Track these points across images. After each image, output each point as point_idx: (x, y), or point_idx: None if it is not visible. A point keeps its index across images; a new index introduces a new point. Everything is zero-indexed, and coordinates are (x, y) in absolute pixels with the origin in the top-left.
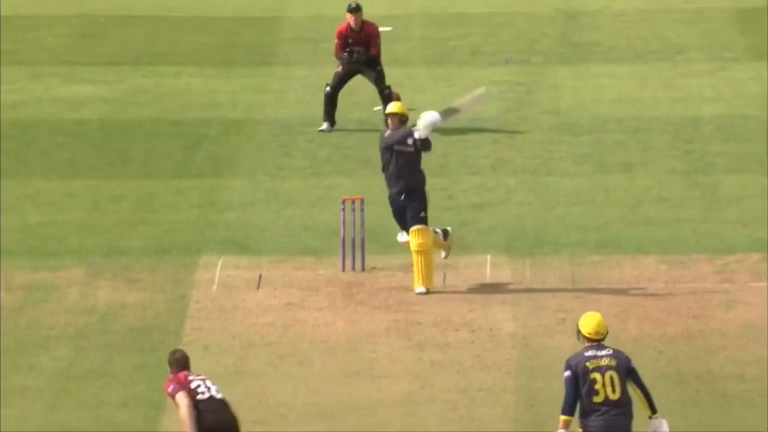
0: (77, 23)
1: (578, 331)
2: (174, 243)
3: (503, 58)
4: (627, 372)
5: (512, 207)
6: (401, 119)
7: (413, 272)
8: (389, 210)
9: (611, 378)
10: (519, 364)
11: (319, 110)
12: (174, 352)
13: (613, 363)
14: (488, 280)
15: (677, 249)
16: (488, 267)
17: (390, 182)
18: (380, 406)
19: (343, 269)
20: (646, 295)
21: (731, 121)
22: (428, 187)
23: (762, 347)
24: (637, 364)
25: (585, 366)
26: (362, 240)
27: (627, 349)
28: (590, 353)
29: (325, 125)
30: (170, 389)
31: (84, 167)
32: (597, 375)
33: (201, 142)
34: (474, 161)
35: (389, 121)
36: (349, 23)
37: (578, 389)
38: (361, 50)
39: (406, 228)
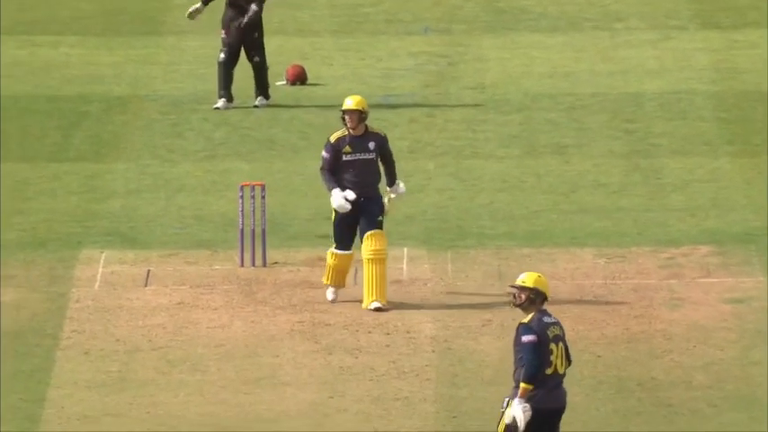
0: None
1: (536, 292)
2: (52, 235)
3: (421, 27)
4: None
5: (431, 194)
6: (361, 116)
7: (364, 284)
8: (293, 197)
9: (562, 350)
10: (440, 371)
11: (215, 84)
12: None
13: (560, 332)
14: (405, 276)
15: (617, 241)
16: (405, 262)
17: (347, 186)
18: (284, 417)
19: (242, 264)
20: (582, 293)
21: (676, 97)
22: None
23: (711, 351)
24: (570, 370)
25: (547, 334)
26: (263, 231)
27: None
28: (546, 319)
29: (221, 102)
30: None
31: None
32: (554, 346)
33: (82, 121)
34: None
35: (347, 118)
36: None
37: (543, 355)
38: None
39: (348, 242)
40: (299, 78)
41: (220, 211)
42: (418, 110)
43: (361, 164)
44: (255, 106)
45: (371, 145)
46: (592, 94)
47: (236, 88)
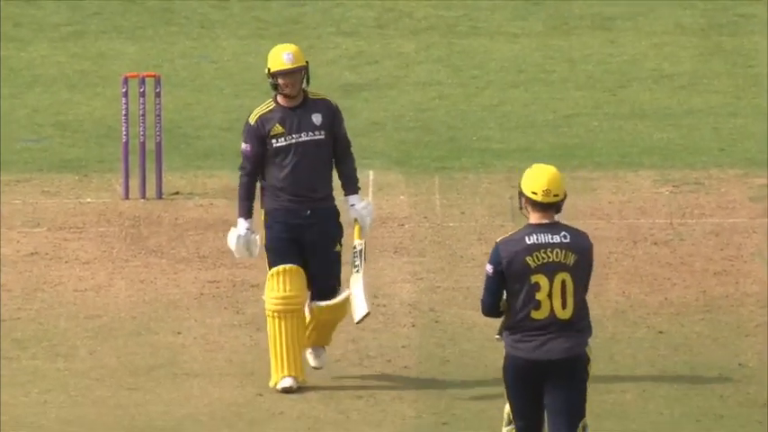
0: None
1: (519, 193)
2: None
3: None
4: (587, 271)
5: (410, 90)
6: (303, 73)
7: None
8: (202, 96)
9: (564, 284)
10: (423, 354)
11: None
12: None
13: (563, 259)
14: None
15: (688, 161)
16: (370, 191)
17: (281, 191)
18: (190, 422)
19: (127, 195)
20: (635, 237)
21: None
22: None
23: None
24: (618, 351)
25: (524, 263)
26: (158, 146)
27: (604, 328)
28: (534, 238)
29: None
30: None
31: None
32: (542, 278)
33: None
34: (347, 12)
35: (283, 84)
36: None
37: (501, 293)
38: None
39: (293, 256)
40: None
41: (94, 116)
42: None
43: (305, 151)
44: None
45: (317, 119)
46: None
47: None
